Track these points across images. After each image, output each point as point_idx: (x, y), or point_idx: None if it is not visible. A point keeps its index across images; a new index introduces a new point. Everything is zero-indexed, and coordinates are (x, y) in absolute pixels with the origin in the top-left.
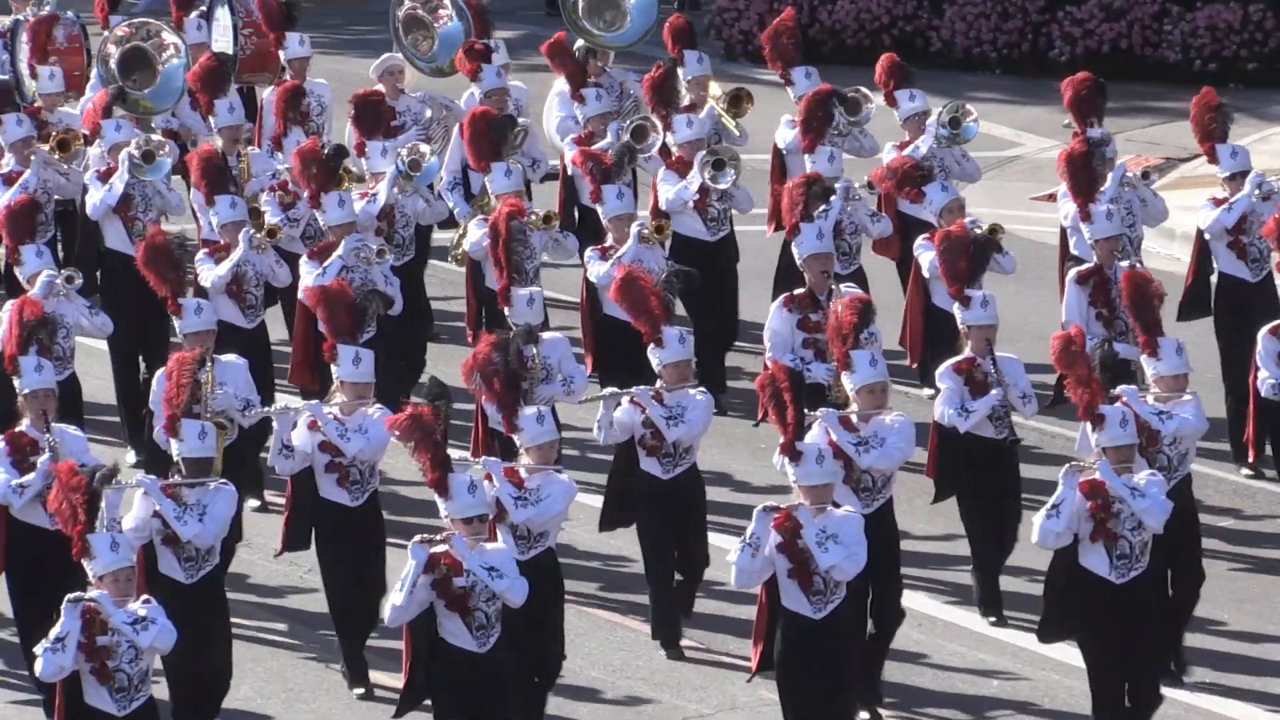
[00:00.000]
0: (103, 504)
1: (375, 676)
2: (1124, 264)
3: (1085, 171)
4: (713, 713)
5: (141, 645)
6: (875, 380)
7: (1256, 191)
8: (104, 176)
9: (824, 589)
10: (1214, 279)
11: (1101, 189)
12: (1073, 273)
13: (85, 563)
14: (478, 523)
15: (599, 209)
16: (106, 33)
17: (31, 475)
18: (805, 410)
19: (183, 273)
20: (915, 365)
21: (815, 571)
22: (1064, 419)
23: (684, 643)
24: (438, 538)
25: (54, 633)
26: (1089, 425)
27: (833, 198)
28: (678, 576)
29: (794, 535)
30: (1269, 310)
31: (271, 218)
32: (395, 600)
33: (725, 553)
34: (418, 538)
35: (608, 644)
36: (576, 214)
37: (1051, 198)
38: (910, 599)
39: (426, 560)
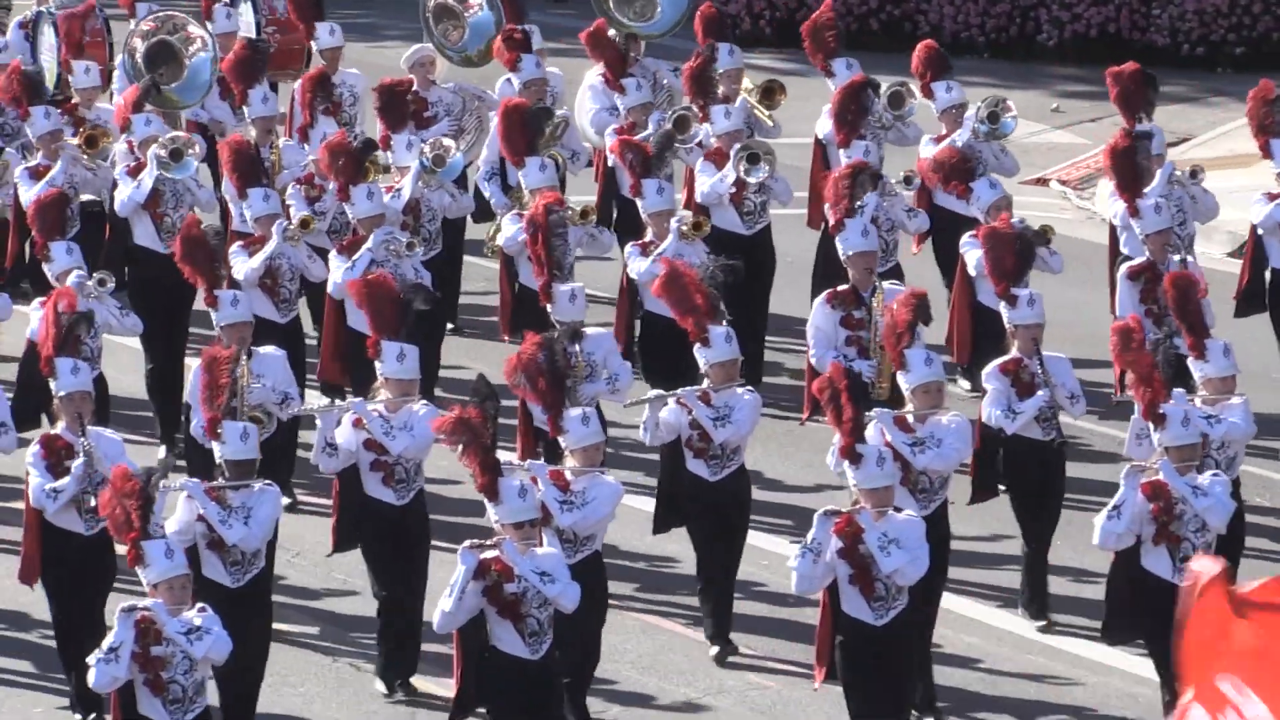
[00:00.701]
0: None
1: (422, 684)
2: (1175, 259)
3: (1129, 166)
4: (700, 696)
5: (196, 656)
6: (931, 379)
7: None
8: (133, 172)
9: (886, 595)
10: (1268, 274)
11: (1149, 186)
12: (1124, 268)
13: (139, 570)
14: (529, 527)
15: (639, 203)
16: (133, 25)
17: (66, 480)
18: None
19: (219, 265)
20: (963, 363)
21: (877, 577)
22: (1112, 418)
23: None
24: (488, 543)
25: (107, 643)
26: (1150, 425)
27: (868, 193)
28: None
29: (855, 540)
30: None
31: (297, 211)
32: (444, 606)
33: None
34: (467, 543)
35: None
36: (615, 207)
37: (1041, 182)
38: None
39: (476, 566)
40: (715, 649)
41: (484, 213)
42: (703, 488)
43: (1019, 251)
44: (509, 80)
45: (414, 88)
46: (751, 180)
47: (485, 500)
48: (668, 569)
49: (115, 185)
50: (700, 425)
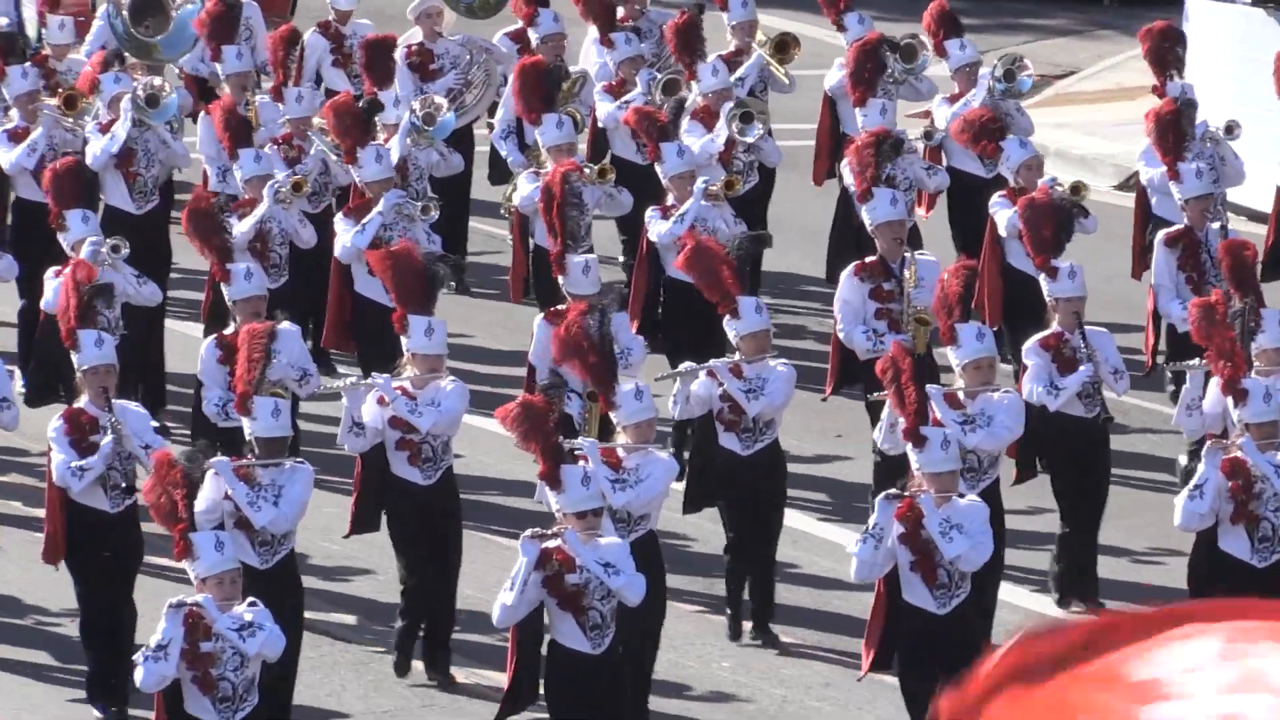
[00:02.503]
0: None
1: (462, 674)
2: (1214, 226)
3: (1174, 130)
4: None
5: (248, 653)
6: (982, 355)
7: None
8: (104, 129)
9: (948, 582)
10: None
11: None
12: (1161, 235)
13: (187, 564)
14: (592, 516)
15: (658, 168)
16: None
17: (92, 458)
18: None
19: (228, 237)
20: (994, 327)
21: (940, 564)
22: (1156, 391)
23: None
24: (549, 532)
25: (155, 639)
26: (1230, 400)
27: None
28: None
29: (917, 525)
30: None
31: (278, 173)
32: (505, 599)
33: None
34: (529, 532)
35: (494, 568)
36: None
37: (926, 115)
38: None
39: (538, 556)
40: (759, 640)
41: (501, 172)
42: (735, 463)
43: (1059, 222)
44: (506, 35)
45: (420, 39)
46: (746, 140)
47: (547, 488)
48: None
49: (87, 142)
50: (731, 398)
